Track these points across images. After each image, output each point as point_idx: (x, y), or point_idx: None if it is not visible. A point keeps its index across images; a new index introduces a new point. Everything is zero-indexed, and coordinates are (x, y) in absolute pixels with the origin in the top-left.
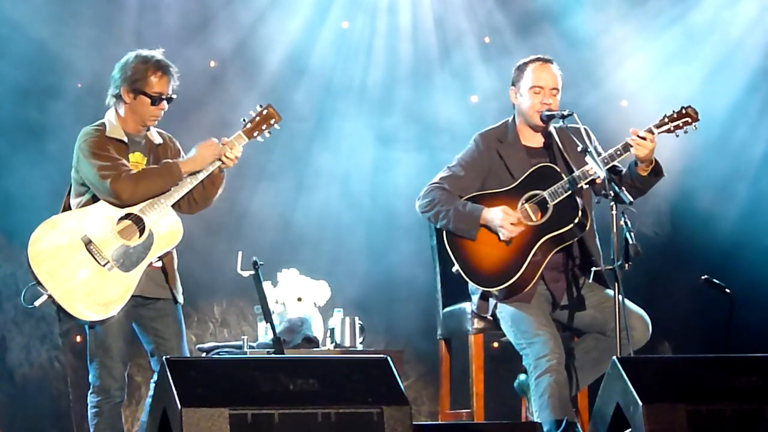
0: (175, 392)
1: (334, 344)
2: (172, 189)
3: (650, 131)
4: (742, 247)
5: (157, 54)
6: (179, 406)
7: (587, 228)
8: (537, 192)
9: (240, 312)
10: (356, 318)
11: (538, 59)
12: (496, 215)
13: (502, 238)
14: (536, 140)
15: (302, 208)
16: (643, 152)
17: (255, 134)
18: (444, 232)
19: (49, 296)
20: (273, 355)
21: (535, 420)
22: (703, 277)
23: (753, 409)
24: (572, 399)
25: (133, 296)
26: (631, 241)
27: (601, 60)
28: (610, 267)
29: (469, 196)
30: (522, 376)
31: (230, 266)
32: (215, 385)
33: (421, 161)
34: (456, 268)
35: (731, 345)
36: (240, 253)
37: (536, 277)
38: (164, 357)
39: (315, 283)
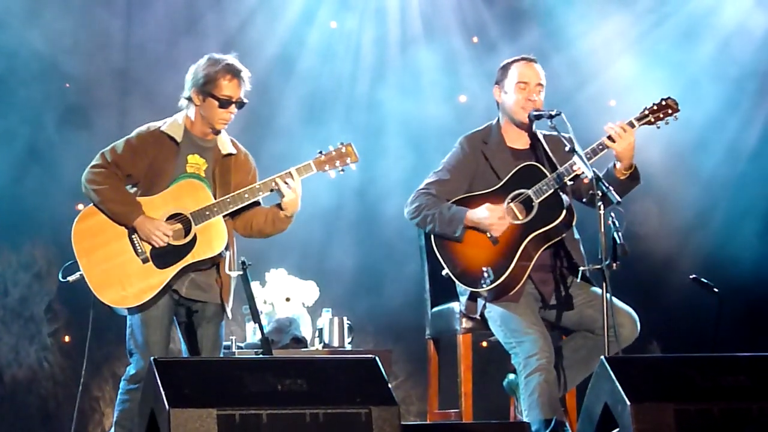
0: (162, 392)
1: (322, 344)
2: (229, 200)
3: (631, 124)
4: (730, 246)
5: (229, 58)
6: (167, 407)
7: (573, 224)
8: (522, 191)
9: None
10: (345, 318)
11: (522, 58)
12: (481, 214)
13: (493, 235)
14: (521, 141)
15: None
16: (622, 145)
17: (326, 168)
18: (432, 236)
19: (81, 274)
20: (261, 356)
21: (524, 419)
22: (691, 277)
23: (741, 408)
24: (561, 399)
25: (174, 295)
26: (618, 241)
27: (589, 60)
28: (598, 267)
29: (455, 199)
30: (511, 376)
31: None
32: (203, 386)
33: (409, 161)
34: (446, 271)
35: (719, 344)
36: (228, 253)
37: (525, 277)
38: (151, 357)
39: (303, 283)
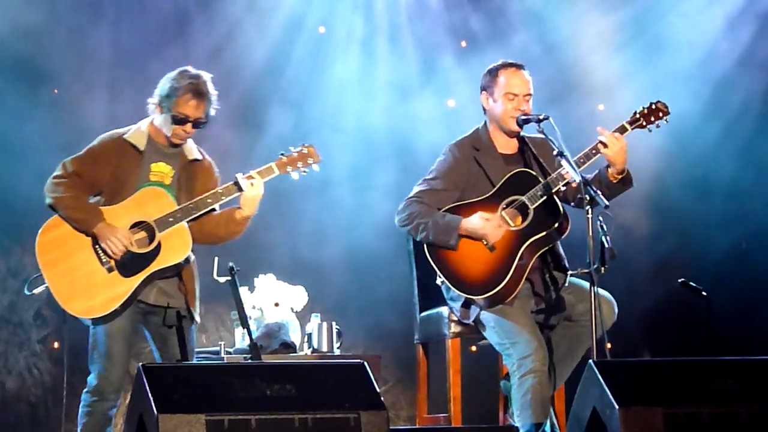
0: (151, 398)
1: (311, 349)
2: (192, 206)
3: (623, 128)
4: (719, 250)
5: (201, 76)
6: (155, 413)
7: (567, 230)
8: (516, 197)
9: (218, 318)
10: (333, 323)
11: (510, 65)
12: (475, 223)
13: (488, 244)
14: (510, 146)
15: (279, 213)
16: (614, 150)
17: (288, 169)
18: (425, 245)
19: (47, 287)
20: (250, 361)
21: (516, 418)
22: (680, 281)
23: (729, 412)
24: (550, 399)
25: (139, 303)
26: (607, 245)
27: (577, 64)
28: (586, 270)
29: (447, 207)
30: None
31: (207, 272)
32: (192, 391)
33: (399, 166)
34: (441, 279)
35: (708, 348)
36: (216, 258)
37: (521, 283)
38: (140, 363)
39: (292, 288)
